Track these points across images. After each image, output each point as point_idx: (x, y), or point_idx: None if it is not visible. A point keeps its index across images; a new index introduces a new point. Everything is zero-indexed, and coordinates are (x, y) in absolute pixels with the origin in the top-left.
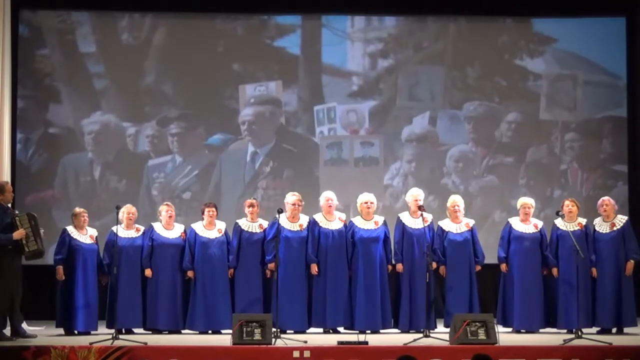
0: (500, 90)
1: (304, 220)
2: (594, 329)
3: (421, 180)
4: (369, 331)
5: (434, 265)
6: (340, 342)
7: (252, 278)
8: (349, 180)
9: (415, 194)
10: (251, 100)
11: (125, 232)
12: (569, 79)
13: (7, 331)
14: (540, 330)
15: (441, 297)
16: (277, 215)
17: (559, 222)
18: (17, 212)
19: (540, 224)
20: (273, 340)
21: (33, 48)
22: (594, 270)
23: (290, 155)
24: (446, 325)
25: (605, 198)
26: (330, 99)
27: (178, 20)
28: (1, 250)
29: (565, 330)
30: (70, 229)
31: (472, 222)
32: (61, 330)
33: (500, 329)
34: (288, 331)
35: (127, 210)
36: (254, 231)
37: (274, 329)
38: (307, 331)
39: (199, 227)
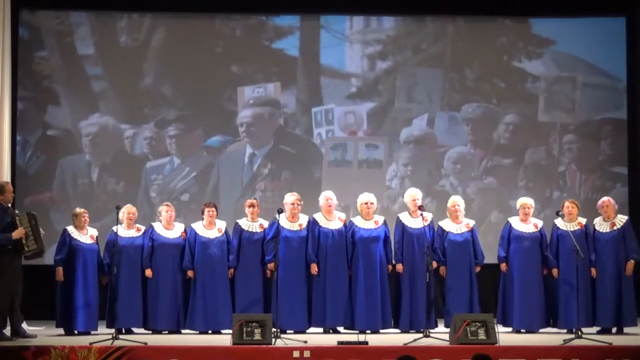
0: (498, 92)
1: (303, 220)
2: (594, 329)
3: (419, 181)
4: (369, 331)
5: (434, 264)
6: (340, 342)
7: (253, 278)
8: (352, 181)
9: (413, 194)
10: (250, 101)
11: (125, 231)
12: (567, 81)
13: (7, 331)
14: (540, 330)
15: (441, 297)
16: (277, 216)
17: (559, 222)
18: (17, 211)
19: (540, 223)
20: (273, 340)
21: (32, 50)
22: (593, 270)
23: (288, 157)
24: (446, 325)
25: (606, 198)
26: (329, 101)
27: (176, 21)
28: (1, 250)
29: (565, 330)
30: (71, 229)
31: (472, 223)
32: (61, 330)
33: (500, 329)
34: (288, 331)
35: (127, 210)
36: (254, 231)
37: (274, 329)
38: (307, 331)
39: (199, 227)
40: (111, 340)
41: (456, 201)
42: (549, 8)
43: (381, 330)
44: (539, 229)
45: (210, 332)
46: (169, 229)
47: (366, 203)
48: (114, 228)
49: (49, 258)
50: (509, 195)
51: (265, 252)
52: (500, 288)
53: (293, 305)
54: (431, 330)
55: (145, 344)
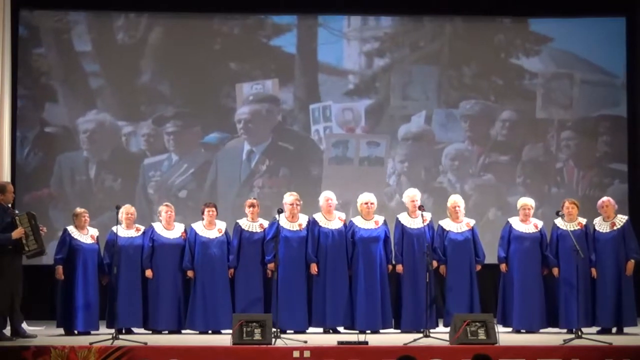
0: (496, 89)
1: (303, 219)
2: (594, 329)
3: (416, 178)
4: (369, 331)
5: (435, 264)
6: (340, 342)
7: (253, 278)
8: (352, 179)
9: (412, 195)
10: (249, 98)
11: (125, 231)
12: (565, 78)
13: (7, 331)
14: (540, 330)
15: (441, 297)
16: (276, 216)
17: (559, 222)
18: (17, 211)
19: (540, 224)
20: (273, 340)
21: (29, 47)
22: (593, 270)
23: (286, 154)
24: (446, 325)
25: (605, 198)
26: (327, 98)
27: (174, 19)
28: (1, 250)
29: (565, 330)
30: (71, 228)
31: (472, 222)
32: (61, 330)
33: (500, 329)
34: (288, 331)
35: (125, 210)
36: (254, 231)
37: (274, 329)
38: (307, 331)
39: (199, 227)
40: (111, 340)
41: (456, 201)
42: (548, 8)
43: (381, 330)
44: (539, 229)
45: (210, 332)
46: (169, 229)
47: (366, 203)
48: (114, 228)
49: (49, 258)
50: (507, 192)
51: (265, 252)
52: (500, 288)
53: (293, 305)
54: (431, 330)
55: (145, 344)
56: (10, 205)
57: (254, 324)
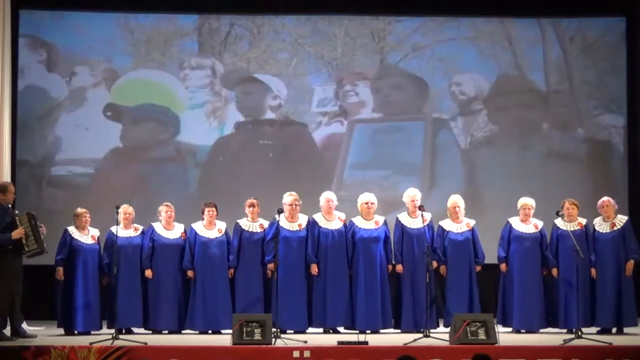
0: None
1: (302, 220)
2: (594, 329)
3: None
4: (369, 331)
5: (434, 264)
6: (340, 342)
7: (253, 278)
8: None
9: (412, 195)
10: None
11: (123, 231)
12: (566, 79)
13: (7, 331)
14: (540, 330)
15: (441, 297)
16: (276, 216)
17: (559, 222)
18: (17, 212)
19: (540, 224)
20: (273, 340)
21: (29, 47)
22: (593, 270)
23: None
24: (446, 325)
25: (605, 198)
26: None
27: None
28: (1, 250)
29: (565, 330)
30: (72, 229)
31: (472, 222)
32: (61, 330)
33: (500, 329)
34: (288, 331)
35: (123, 210)
36: (254, 231)
37: (274, 329)
38: (307, 331)
39: (199, 227)
40: (111, 340)
41: (456, 201)
42: (549, 8)
43: (381, 330)
44: (539, 229)
45: (210, 332)
46: (169, 229)
47: (367, 203)
48: (113, 228)
49: (49, 258)
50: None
51: (265, 252)
52: (500, 288)
53: (293, 305)
54: (431, 330)
55: (145, 344)
56: (10, 205)
57: (254, 324)
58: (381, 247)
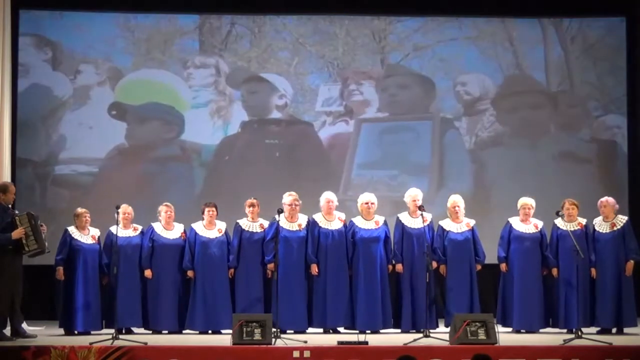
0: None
1: (302, 220)
2: (594, 329)
3: None
4: (369, 331)
5: (434, 264)
6: (340, 342)
7: (253, 278)
8: None
9: (413, 194)
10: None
11: (122, 231)
12: (567, 79)
13: (7, 331)
14: (540, 330)
15: (441, 297)
16: (276, 216)
17: (559, 222)
18: (17, 212)
19: (540, 224)
20: (273, 340)
21: (34, 46)
22: (593, 270)
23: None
24: (446, 325)
25: (604, 199)
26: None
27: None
28: (1, 250)
29: (565, 330)
30: (72, 229)
31: (472, 222)
32: (61, 330)
33: (500, 329)
34: (288, 331)
35: (123, 210)
36: (254, 231)
37: (274, 329)
38: (307, 331)
39: (199, 227)
40: (111, 340)
41: (456, 201)
42: (550, 8)
43: (381, 330)
44: (539, 229)
45: (210, 332)
46: (169, 229)
47: (367, 203)
48: (112, 228)
49: (49, 258)
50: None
51: (265, 252)
52: (500, 288)
53: (293, 306)
54: (431, 330)
55: (145, 344)
56: (10, 205)
57: (254, 324)
58: (381, 247)
